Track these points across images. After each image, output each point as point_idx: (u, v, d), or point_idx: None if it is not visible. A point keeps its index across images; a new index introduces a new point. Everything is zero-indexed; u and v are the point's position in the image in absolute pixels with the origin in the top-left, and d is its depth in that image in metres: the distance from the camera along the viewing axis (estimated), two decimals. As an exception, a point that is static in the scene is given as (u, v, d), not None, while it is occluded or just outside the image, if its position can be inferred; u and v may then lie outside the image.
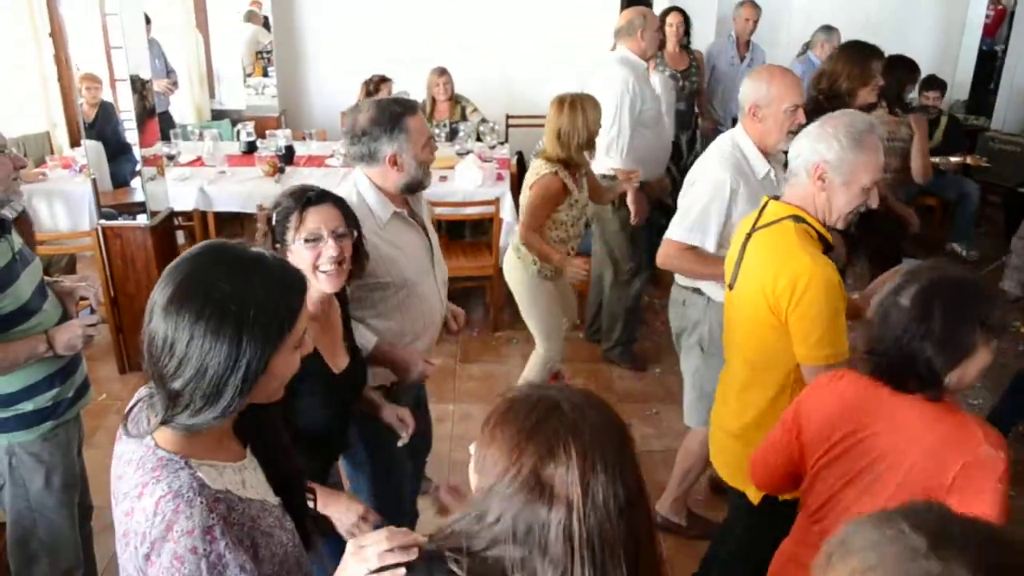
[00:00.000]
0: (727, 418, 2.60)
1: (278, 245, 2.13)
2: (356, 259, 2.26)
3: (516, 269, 3.95)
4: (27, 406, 2.50)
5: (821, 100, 3.63)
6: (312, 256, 2.13)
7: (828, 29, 6.33)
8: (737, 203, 2.87)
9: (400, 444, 2.49)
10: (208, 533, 1.34)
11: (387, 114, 2.55)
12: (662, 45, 5.23)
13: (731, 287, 2.45)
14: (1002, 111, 7.97)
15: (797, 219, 2.23)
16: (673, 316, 3.39)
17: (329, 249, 2.13)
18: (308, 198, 2.14)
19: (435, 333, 2.92)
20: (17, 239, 2.51)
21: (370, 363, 2.56)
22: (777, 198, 2.33)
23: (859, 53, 3.76)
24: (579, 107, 3.63)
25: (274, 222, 2.14)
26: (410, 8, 7.00)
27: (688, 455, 3.50)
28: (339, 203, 2.20)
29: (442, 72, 6.11)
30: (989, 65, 8.69)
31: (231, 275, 1.39)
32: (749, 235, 2.35)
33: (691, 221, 2.95)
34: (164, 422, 1.41)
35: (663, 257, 3.06)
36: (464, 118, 6.26)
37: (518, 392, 1.27)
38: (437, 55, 6.54)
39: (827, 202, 2.21)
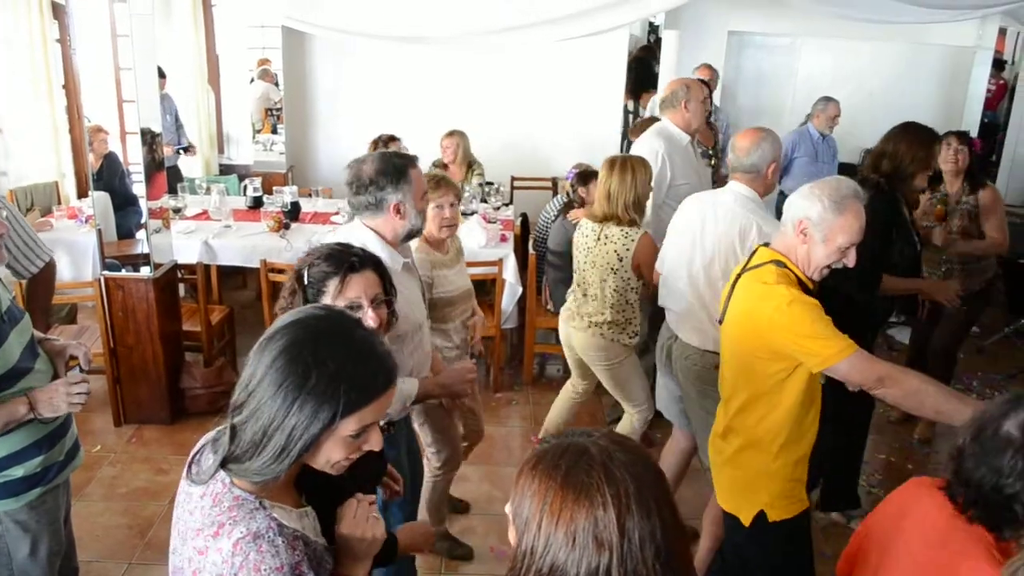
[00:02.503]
0: (720, 444, 2.75)
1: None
2: (388, 321, 2.23)
3: (601, 347, 3.86)
4: (16, 472, 2.38)
5: (882, 183, 3.57)
6: None
7: (826, 99, 6.40)
8: None
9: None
10: (296, 568, 1.39)
11: (392, 165, 2.65)
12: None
13: (721, 321, 2.65)
14: (1004, 183, 8.01)
15: (779, 263, 2.46)
16: (696, 378, 3.42)
17: (368, 319, 2.05)
18: (351, 264, 2.05)
19: (425, 372, 2.95)
20: (5, 296, 2.38)
21: (419, 401, 2.76)
22: (767, 245, 2.56)
23: (924, 136, 3.62)
24: (629, 167, 3.71)
25: (306, 281, 2.05)
26: (418, 70, 7.11)
27: None
28: (379, 267, 2.14)
29: (451, 134, 6.15)
30: (991, 138, 8.78)
31: (322, 340, 1.40)
32: (739, 275, 2.58)
33: None
34: (223, 463, 1.42)
35: None
36: (469, 181, 6.30)
37: (545, 443, 1.27)
38: (444, 117, 6.62)
39: (807, 254, 2.44)
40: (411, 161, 2.72)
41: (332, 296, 2.04)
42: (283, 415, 1.36)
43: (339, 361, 1.39)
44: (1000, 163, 8.17)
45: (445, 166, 6.22)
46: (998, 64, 9.57)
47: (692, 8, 6.38)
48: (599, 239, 3.75)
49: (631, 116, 7.71)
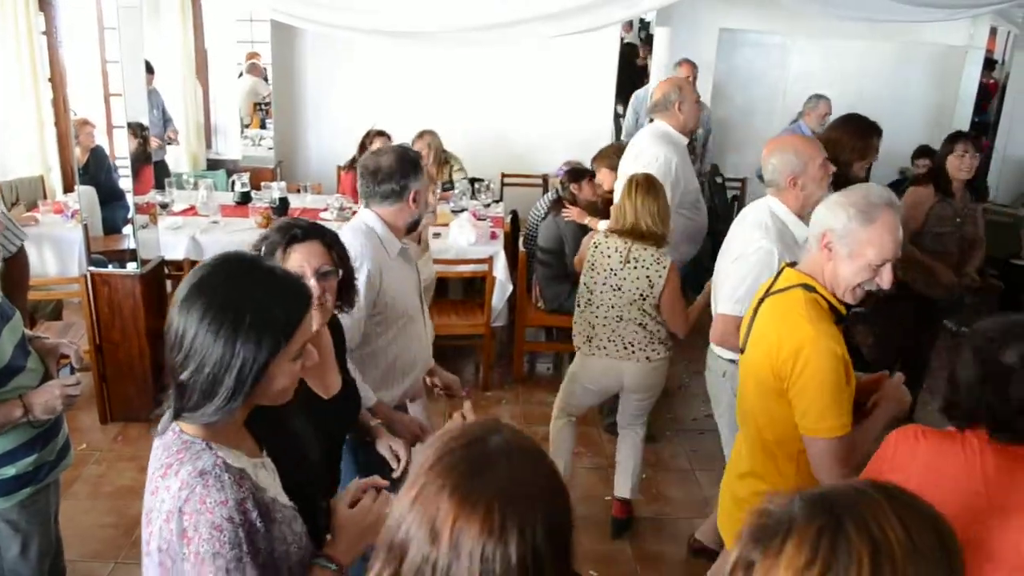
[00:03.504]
0: (736, 485, 2.54)
1: None
2: (346, 295, 2.28)
3: (648, 372, 3.70)
4: (8, 471, 2.38)
5: None
6: None
7: (817, 97, 6.41)
8: None
9: (394, 475, 2.48)
10: (241, 505, 1.44)
11: (411, 158, 2.86)
12: None
13: (742, 351, 2.41)
14: (994, 182, 8.03)
15: (807, 288, 2.20)
16: (714, 388, 3.36)
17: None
18: (294, 234, 2.14)
19: (421, 372, 3.06)
20: None
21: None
22: (794, 264, 2.31)
23: (864, 128, 3.70)
24: (657, 183, 3.60)
25: (262, 254, 2.14)
26: (409, 66, 7.06)
27: None
28: (328, 239, 2.21)
29: (420, 135, 5.99)
30: (982, 137, 8.79)
31: (238, 280, 1.52)
32: (762, 300, 2.33)
33: (744, 293, 2.90)
34: (176, 415, 1.51)
35: (719, 335, 3.03)
36: (450, 178, 6.27)
37: (459, 433, 1.20)
38: (434, 113, 6.59)
39: (834, 272, 2.17)
40: (420, 156, 2.95)
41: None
42: (230, 356, 1.45)
43: (263, 291, 1.51)
44: (990, 163, 8.18)
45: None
46: (988, 63, 9.59)
47: (684, 5, 6.35)
48: (627, 261, 3.52)
49: (619, 119, 7.68)
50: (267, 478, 1.59)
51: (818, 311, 2.18)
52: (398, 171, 2.79)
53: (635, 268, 3.52)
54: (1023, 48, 7.85)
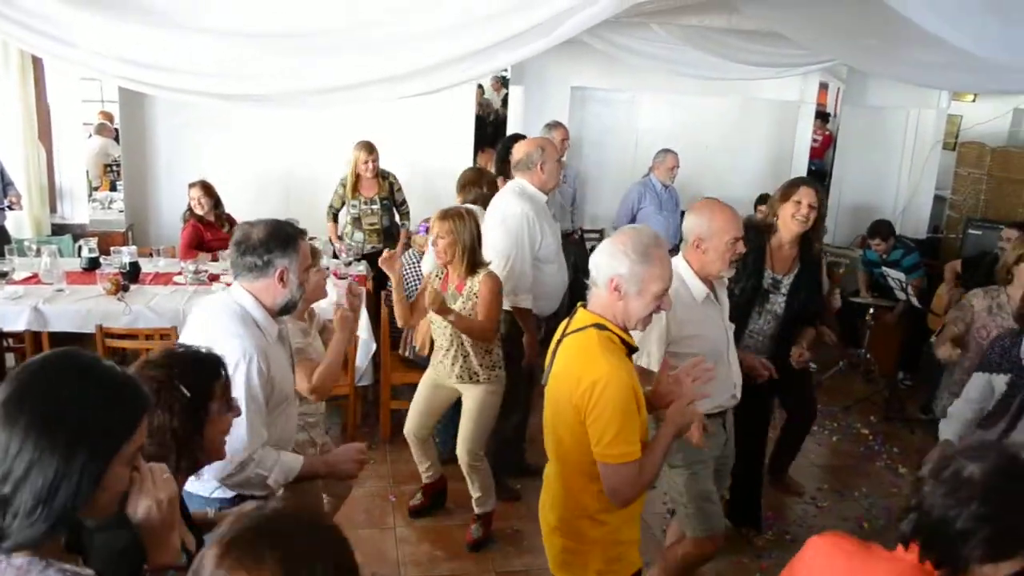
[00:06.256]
0: (548, 514, 2.66)
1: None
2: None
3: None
4: None
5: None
6: None
7: (665, 151, 6.71)
8: (672, 325, 3.05)
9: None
10: None
11: (283, 232, 2.65)
12: None
13: (544, 383, 2.57)
14: (831, 226, 8.56)
15: (600, 327, 2.39)
16: None
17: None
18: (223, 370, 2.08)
19: (291, 446, 2.93)
20: None
21: (304, 479, 2.67)
22: (585, 306, 2.50)
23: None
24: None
25: (188, 394, 1.97)
26: (263, 125, 6.96)
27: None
28: None
29: (371, 149, 6.18)
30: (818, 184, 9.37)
31: (71, 384, 1.41)
32: (560, 340, 2.50)
33: (644, 345, 3.02)
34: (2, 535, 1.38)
35: None
36: (391, 194, 6.34)
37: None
38: (290, 172, 6.52)
39: (624, 310, 2.40)
40: (301, 233, 2.73)
41: (219, 398, 2.04)
42: (63, 467, 1.35)
43: (95, 400, 1.42)
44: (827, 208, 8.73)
45: (358, 179, 6.26)
46: (824, 116, 10.29)
47: (535, 64, 6.56)
48: None
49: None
50: None
51: (611, 347, 2.37)
52: (264, 244, 2.58)
53: None
54: (850, 102, 8.45)
